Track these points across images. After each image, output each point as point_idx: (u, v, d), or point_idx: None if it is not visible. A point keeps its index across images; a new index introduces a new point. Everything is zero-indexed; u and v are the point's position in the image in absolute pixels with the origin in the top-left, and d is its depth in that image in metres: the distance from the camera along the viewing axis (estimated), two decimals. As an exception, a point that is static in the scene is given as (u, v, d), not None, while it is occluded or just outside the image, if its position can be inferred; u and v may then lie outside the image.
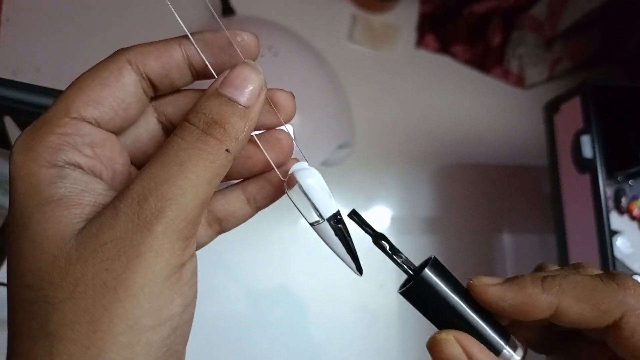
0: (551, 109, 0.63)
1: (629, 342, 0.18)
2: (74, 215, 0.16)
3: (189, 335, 0.18)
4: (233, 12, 0.72)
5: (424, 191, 0.73)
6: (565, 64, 0.79)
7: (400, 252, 0.20)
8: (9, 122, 0.46)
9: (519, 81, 0.80)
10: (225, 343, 0.63)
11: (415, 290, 0.20)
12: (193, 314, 0.18)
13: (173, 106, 0.20)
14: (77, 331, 0.15)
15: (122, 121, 0.18)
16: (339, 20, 0.80)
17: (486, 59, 0.80)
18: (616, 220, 0.59)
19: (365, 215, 0.22)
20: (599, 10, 0.70)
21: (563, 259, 0.60)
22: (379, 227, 0.72)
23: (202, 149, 0.17)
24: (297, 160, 0.22)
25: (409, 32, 0.81)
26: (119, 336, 0.15)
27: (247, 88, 0.18)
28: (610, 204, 0.59)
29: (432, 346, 0.19)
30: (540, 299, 0.19)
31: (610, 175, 0.58)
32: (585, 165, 0.56)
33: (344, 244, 0.20)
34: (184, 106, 0.20)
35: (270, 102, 0.21)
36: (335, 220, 0.20)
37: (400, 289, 0.20)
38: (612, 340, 0.19)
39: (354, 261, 0.21)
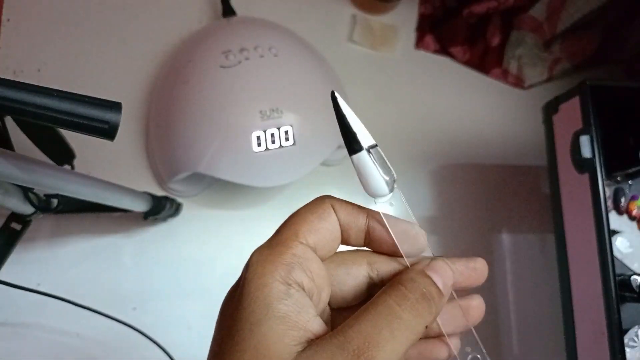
0: (550, 109, 0.63)
1: None
2: (292, 337, 0.18)
3: None
4: (234, 13, 0.72)
5: (422, 191, 0.73)
6: (565, 65, 0.79)
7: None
8: (9, 122, 0.46)
9: (518, 82, 0.80)
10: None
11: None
12: None
13: (386, 265, 0.23)
14: None
15: (328, 251, 0.22)
16: (339, 21, 0.80)
17: (485, 59, 0.80)
18: (615, 220, 0.60)
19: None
20: (598, 11, 0.70)
21: (562, 259, 0.60)
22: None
23: (411, 321, 0.19)
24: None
25: (408, 32, 0.81)
26: None
27: (446, 278, 0.21)
28: (610, 204, 0.59)
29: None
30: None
31: (609, 175, 0.58)
32: (584, 166, 0.56)
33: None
34: (391, 269, 0.23)
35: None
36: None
37: None
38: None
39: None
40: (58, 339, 0.61)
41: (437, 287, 0.21)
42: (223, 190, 0.70)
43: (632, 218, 0.60)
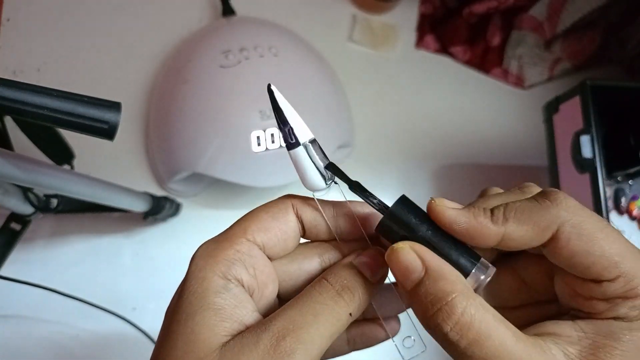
0: (551, 109, 0.63)
1: (564, 250, 0.20)
2: (223, 328, 0.19)
3: None
4: (233, 13, 0.72)
5: (423, 191, 0.73)
6: (565, 64, 0.79)
7: (374, 195, 0.22)
8: (9, 122, 0.46)
9: (519, 81, 0.80)
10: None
11: (387, 224, 0.21)
12: None
13: (335, 255, 0.24)
14: None
15: (280, 250, 0.22)
16: (339, 20, 0.80)
17: (486, 59, 0.80)
18: (616, 220, 0.59)
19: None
20: (598, 11, 0.70)
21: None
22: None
23: (334, 308, 0.20)
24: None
25: (408, 32, 0.81)
26: None
27: (375, 266, 0.21)
28: (610, 204, 0.59)
29: (389, 256, 0.20)
30: (490, 228, 0.20)
31: (609, 175, 0.58)
32: (585, 166, 0.56)
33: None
34: (340, 258, 0.23)
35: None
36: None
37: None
38: (550, 251, 0.20)
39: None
40: (58, 338, 0.61)
41: (362, 277, 0.21)
42: (223, 190, 0.70)
43: (632, 218, 0.60)
